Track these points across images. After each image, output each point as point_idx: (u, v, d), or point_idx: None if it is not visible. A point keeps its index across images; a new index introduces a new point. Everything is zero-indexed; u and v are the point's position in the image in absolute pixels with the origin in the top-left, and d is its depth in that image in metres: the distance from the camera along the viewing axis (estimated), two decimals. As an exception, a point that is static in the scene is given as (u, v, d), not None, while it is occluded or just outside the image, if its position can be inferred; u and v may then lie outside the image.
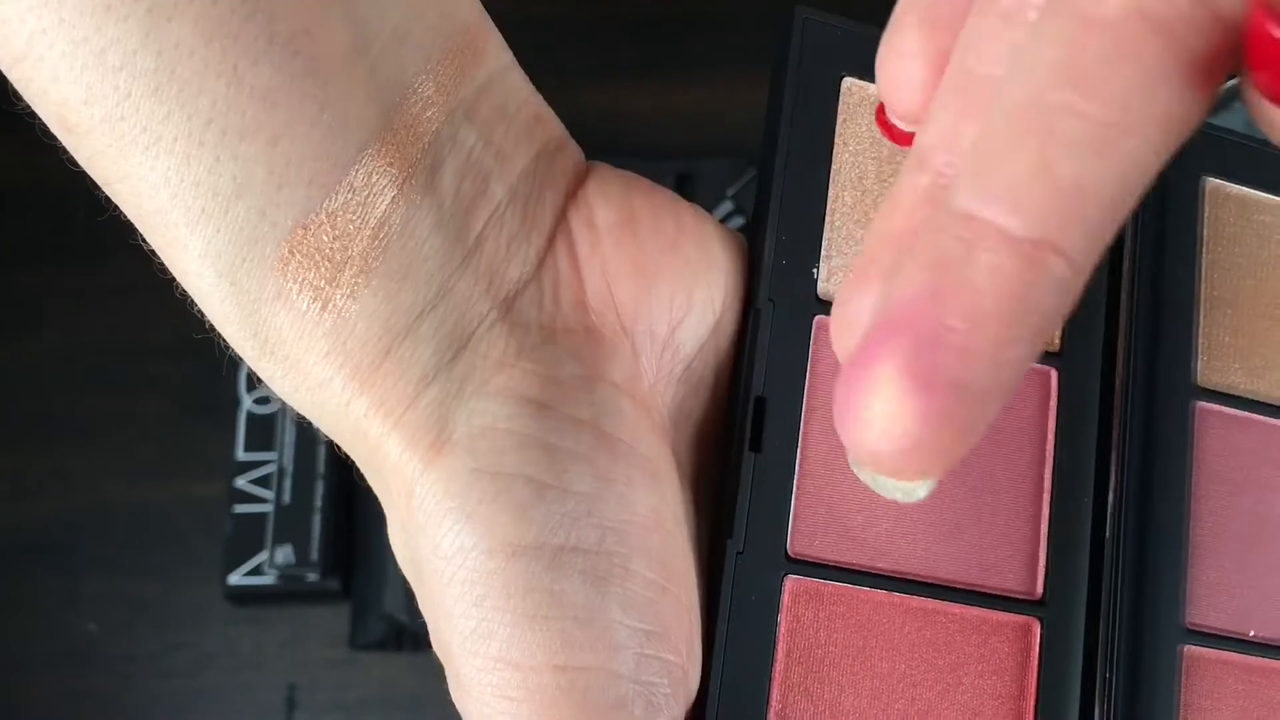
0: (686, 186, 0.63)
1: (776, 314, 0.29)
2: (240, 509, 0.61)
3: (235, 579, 0.61)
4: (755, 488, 0.28)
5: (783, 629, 0.28)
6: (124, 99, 0.23)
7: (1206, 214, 0.32)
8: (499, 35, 0.28)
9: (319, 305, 0.25)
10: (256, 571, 0.61)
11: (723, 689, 0.27)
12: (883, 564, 0.29)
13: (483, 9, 0.28)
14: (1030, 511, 0.30)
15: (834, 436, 0.28)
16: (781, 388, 0.28)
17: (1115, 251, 0.31)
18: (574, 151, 0.29)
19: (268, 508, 0.61)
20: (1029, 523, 0.30)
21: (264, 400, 0.63)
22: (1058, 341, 0.31)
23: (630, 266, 0.28)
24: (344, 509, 0.62)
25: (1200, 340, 0.32)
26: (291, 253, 0.25)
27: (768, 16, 0.69)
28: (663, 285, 0.28)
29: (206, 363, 0.64)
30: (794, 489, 0.28)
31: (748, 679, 0.27)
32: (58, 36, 0.23)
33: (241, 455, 0.62)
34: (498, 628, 0.25)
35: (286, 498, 0.61)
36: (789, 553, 0.28)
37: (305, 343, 0.25)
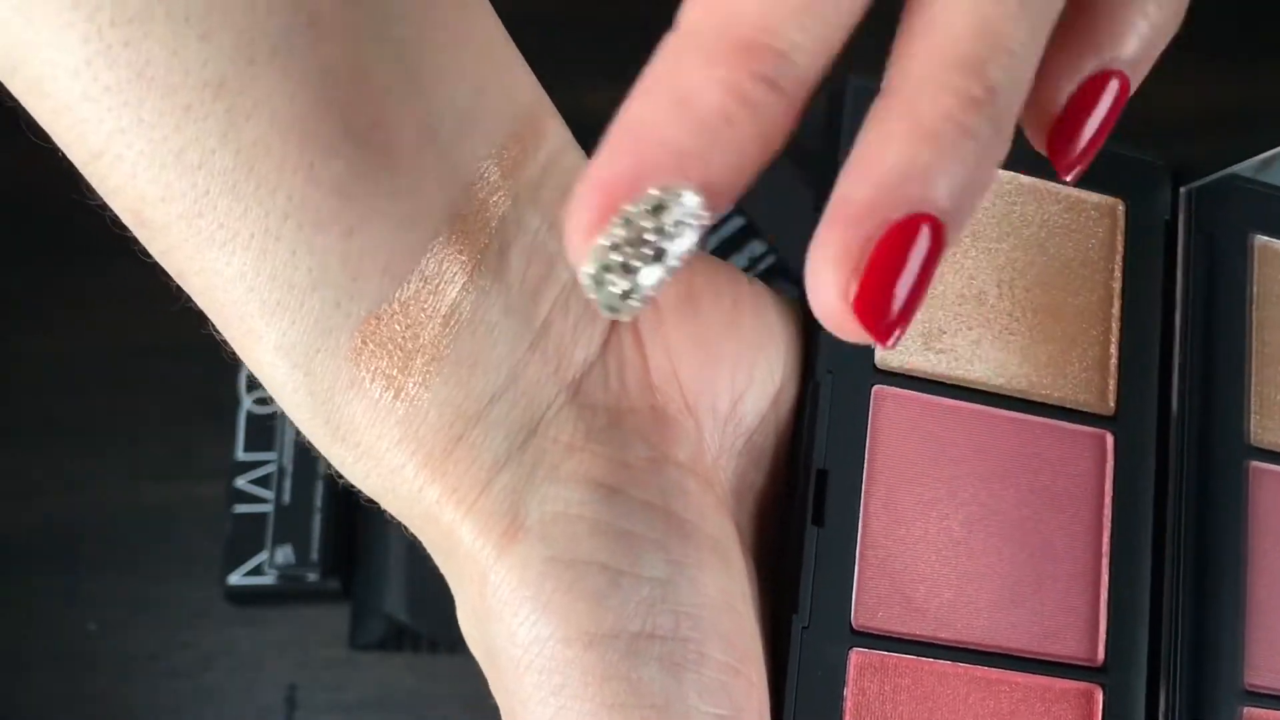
0: (687, 186, 0.63)
1: (836, 385, 0.29)
2: (240, 509, 0.61)
3: (235, 579, 0.61)
4: (819, 561, 0.28)
5: (849, 703, 0.28)
6: (201, 196, 0.24)
7: (1256, 272, 0.32)
8: (557, 113, 0.28)
9: (392, 393, 0.25)
10: (256, 571, 0.61)
11: None
12: (945, 634, 0.29)
13: (540, 88, 0.28)
14: (1089, 577, 0.30)
15: (895, 507, 0.29)
16: (842, 459, 0.29)
17: (1166, 311, 0.31)
18: None
19: (268, 508, 0.61)
20: (1089, 588, 0.30)
21: (264, 400, 0.63)
22: (1112, 404, 0.31)
23: (693, 344, 0.28)
24: (344, 509, 0.62)
25: (1252, 399, 0.32)
26: (365, 342, 0.25)
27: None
28: (725, 361, 0.28)
29: (206, 363, 0.64)
30: (856, 561, 0.29)
31: None
32: (136, 136, 0.23)
33: (241, 455, 0.62)
34: (576, 716, 0.25)
35: (286, 498, 0.61)
36: (853, 626, 0.28)
37: (378, 430, 0.25)
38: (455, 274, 0.25)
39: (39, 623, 0.63)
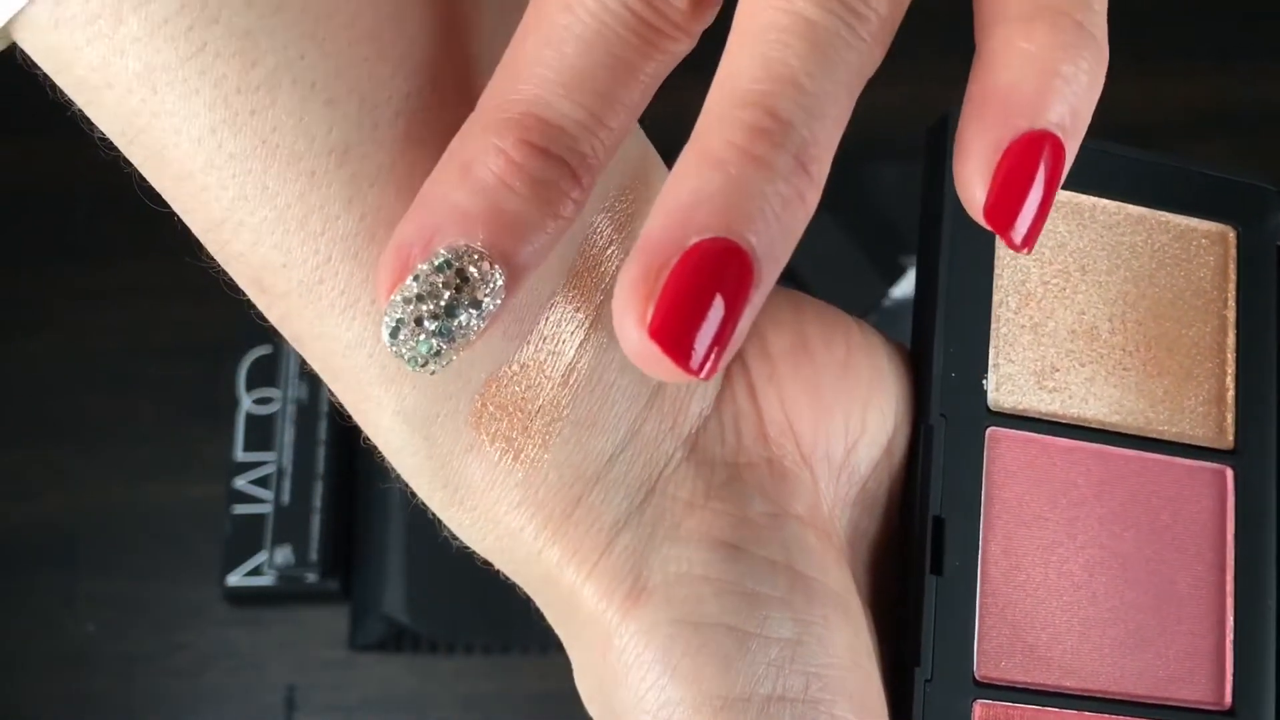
0: (687, 187, 0.63)
1: (949, 429, 0.28)
2: (239, 509, 0.61)
3: (234, 579, 0.61)
4: (939, 612, 0.28)
5: None
6: (324, 263, 0.23)
7: None
8: (662, 164, 0.27)
9: (511, 456, 0.25)
10: (256, 572, 0.61)
11: None
12: (1070, 682, 0.28)
13: (646, 141, 0.27)
14: (1214, 618, 0.29)
15: (1014, 552, 0.29)
16: (958, 505, 0.28)
17: None
18: None
19: (267, 508, 0.61)
20: (1214, 630, 0.29)
21: (263, 400, 0.63)
22: (1231, 438, 0.30)
23: (807, 394, 0.28)
24: (344, 509, 0.62)
25: None
26: (485, 405, 0.25)
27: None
28: (838, 410, 0.28)
29: (206, 363, 0.64)
30: (977, 610, 0.28)
31: None
32: (260, 203, 0.23)
33: (240, 456, 0.62)
34: None
35: (285, 498, 0.61)
36: (976, 677, 0.28)
37: (497, 493, 0.25)
38: (573, 332, 0.25)
39: (39, 623, 0.63)
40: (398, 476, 0.26)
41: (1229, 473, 0.30)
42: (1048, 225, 0.28)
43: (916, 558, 0.28)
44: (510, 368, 0.25)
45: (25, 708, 0.62)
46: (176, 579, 0.63)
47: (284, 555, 0.60)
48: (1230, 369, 0.30)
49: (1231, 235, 0.31)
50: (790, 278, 0.61)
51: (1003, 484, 0.29)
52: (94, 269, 0.65)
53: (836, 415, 0.28)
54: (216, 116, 0.23)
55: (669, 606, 0.25)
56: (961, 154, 0.22)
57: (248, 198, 0.23)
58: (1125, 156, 0.30)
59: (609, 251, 0.26)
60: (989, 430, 0.29)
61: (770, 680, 0.25)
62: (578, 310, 0.25)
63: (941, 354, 0.29)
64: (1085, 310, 0.30)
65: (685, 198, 0.20)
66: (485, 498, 0.25)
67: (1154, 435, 0.30)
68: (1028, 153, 0.22)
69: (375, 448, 0.26)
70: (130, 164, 0.25)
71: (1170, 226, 0.31)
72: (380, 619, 0.60)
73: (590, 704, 0.27)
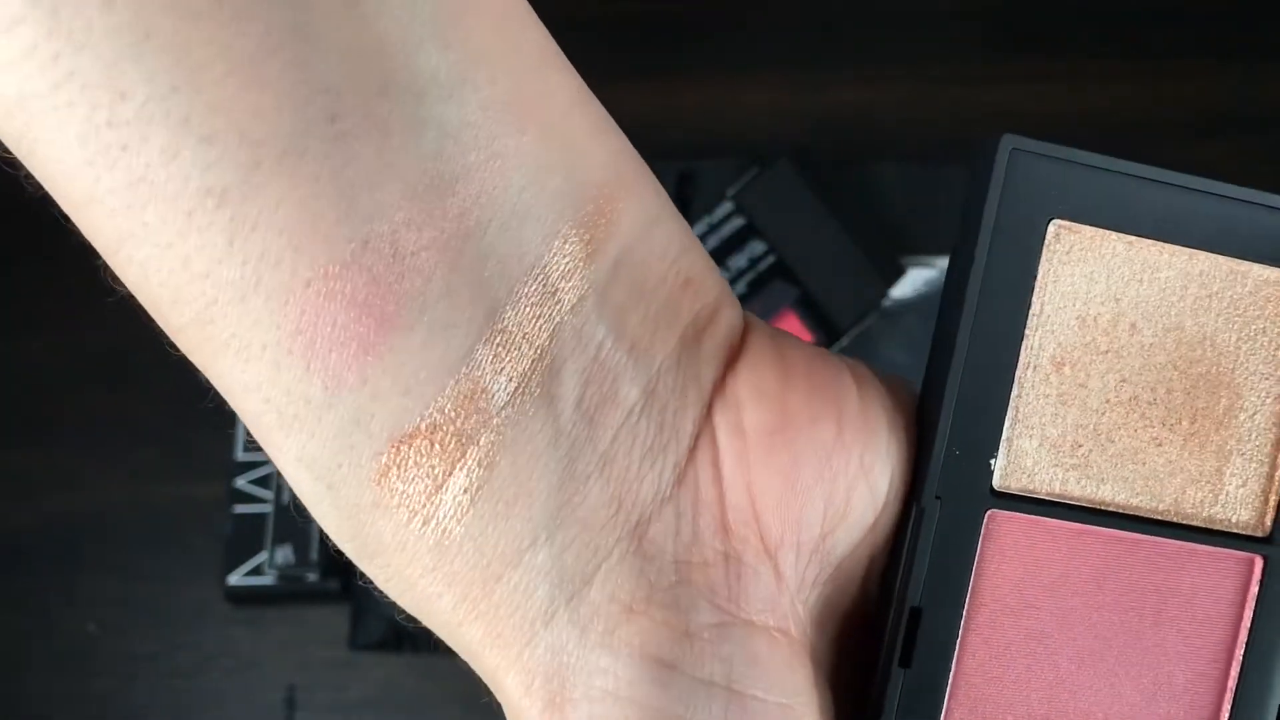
0: (686, 186, 0.63)
1: (944, 512, 0.26)
2: (240, 509, 0.61)
3: (235, 579, 0.61)
4: (902, 706, 0.26)
5: None
6: (210, 304, 0.22)
7: None
8: (644, 183, 0.25)
9: (420, 521, 0.23)
10: (256, 572, 0.61)
11: None
12: None
13: (621, 155, 0.24)
14: (1208, 716, 0.27)
15: (996, 641, 0.26)
16: (940, 593, 0.26)
17: None
18: (728, 318, 0.25)
19: (267, 508, 0.61)
20: None
21: (264, 400, 0.63)
22: (1269, 525, 0.27)
23: (781, 479, 0.25)
24: (344, 509, 0.62)
25: None
26: (388, 466, 0.23)
27: (768, 16, 0.69)
28: (817, 494, 0.25)
29: (206, 363, 0.64)
30: (945, 705, 0.26)
31: None
32: (142, 241, 0.22)
33: (241, 455, 0.62)
34: None
35: (286, 498, 0.61)
36: None
37: (408, 555, 0.23)
38: (495, 394, 0.23)
39: (39, 623, 0.63)
40: None
41: (1258, 561, 0.27)
42: (1101, 277, 0.26)
43: (887, 646, 0.26)
44: (417, 428, 0.23)
45: (25, 707, 0.62)
46: (177, 579, 0.63)
47: (284, 555, 0.60)
48: None
49: None
50: (790, 278, 0.61)
51: (995, 570, 0.26)
52: (94, 269, 0.65)
53: (814, 500, 0.25)
54: (90, 150, 0.21)
55: None
56: None
57: (132, 234, 0.22)
58: (1200, 191, 0.26)
59: (547, 309, 0.23)
60: (989, 513, 0.26)
61: None
62: (501, 372, 0.23)
63: (947, 427, 0.26)
64: (1128, 377, 0.26)
65: None
66: (396, 558, 0.23)
67: (1179, 520, 0.27)
68: None
69: None
70: None
71: (1247, 278, 0.26)
72: (380, 619, 0.60)
73: None
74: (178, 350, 0.25)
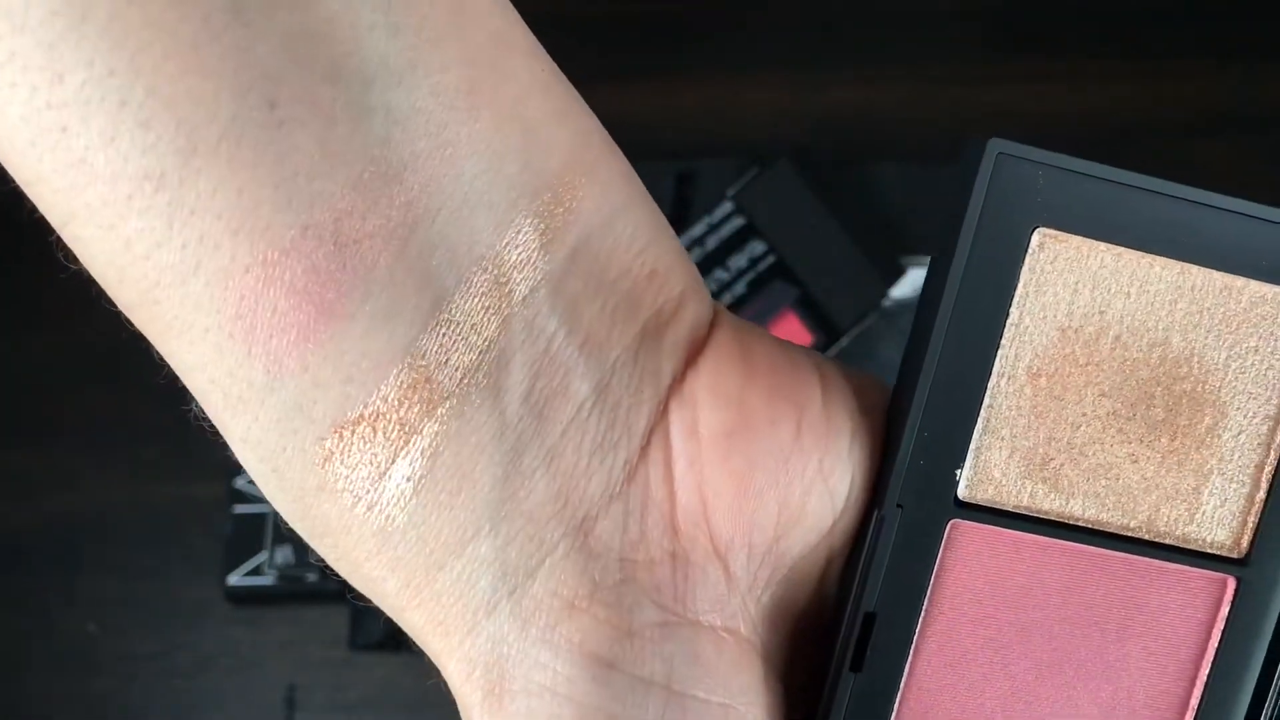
0: (686, 186, 0.63)
1: (904, 519, 0.25)
2: (240, 509, 0.61)
3: (235, 579, 0.61)
4: (850, 711, 0.25)
5: None
6: (154, 286, 0.22)
7: None
8: (613, 168, 0.24)
9: (364, 506, 0.23)
10: (256, 572, 0.61)
11: None
12: None
13: (588, 139, 0.24)
14: None
15: (952, 649, 0.26)
16: (896, 600, 0.25)
17: None
18: (694, 312, 0.25)
19: (267, 508, 0.61)
20: None
21: (264, 400, 0.63)
22: (1246, 546, 0.27)
23: (734, 485, 0.24)
24: (344, 509, 0.62)
25: None
26: (331, 451, 0.23)
27: (768, 16, 0.69)
28: (770, 497, 0.25)
29: (206, 363, 0.64)
30: (895, 711, 0.26)
31: None
32: (85, 222, 0.22)
33: (241, 455, 0.62)
34: None
35: (286, 498, 0.61)
36: None
37: (353, 538, 0.23)
38: (440, 384, 0.22)
39: (39, 623, 0.63)
40: None
41: (1231, 582, 0.27)
42: (1086, 289, 0.25)
43: (839, 651, 0.25)
44: (359, 415, 0.22)
45: (25, 707, 0.62)
46: (177, 579, 0.63)
47: (284, 555, 0.60)
48: (1269, 469, 0.26)
49: None
50: (790, 278, 0.61)
51: (956, 579, 0.26)
52: (94, 269, 0.65)
53: (768, 502, 0.25)
54: (31, 131, 0.21)
55: (528, 719, 0.23)
56: None
57: (75, 214, 0.22)
58: (1195, 202, 0.25)
59: (494, 300, 0.23)
60: (952, 523, 0.26)
61: None
62: (445, 364, 0.23)
63: (913, 435, 0.25)
64: (1107, 392, 0.26)
65: None
66: (343, 540, 0.23)
67: (1151, 538, 0.26)
68: None
69: None
70: None
71: (1243, 294, 0.26)
72: (380, 619, 0.60)
73: None
74: (134, 326, 0.25)
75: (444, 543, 0.23)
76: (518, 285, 0.23)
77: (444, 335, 0.23)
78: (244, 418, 0.23)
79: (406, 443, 0.23)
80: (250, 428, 0.23)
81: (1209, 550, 0.26)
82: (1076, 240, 0.25)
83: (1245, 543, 0.27)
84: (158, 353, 0.25)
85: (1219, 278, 0.25)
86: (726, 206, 0.63)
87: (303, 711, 0.62)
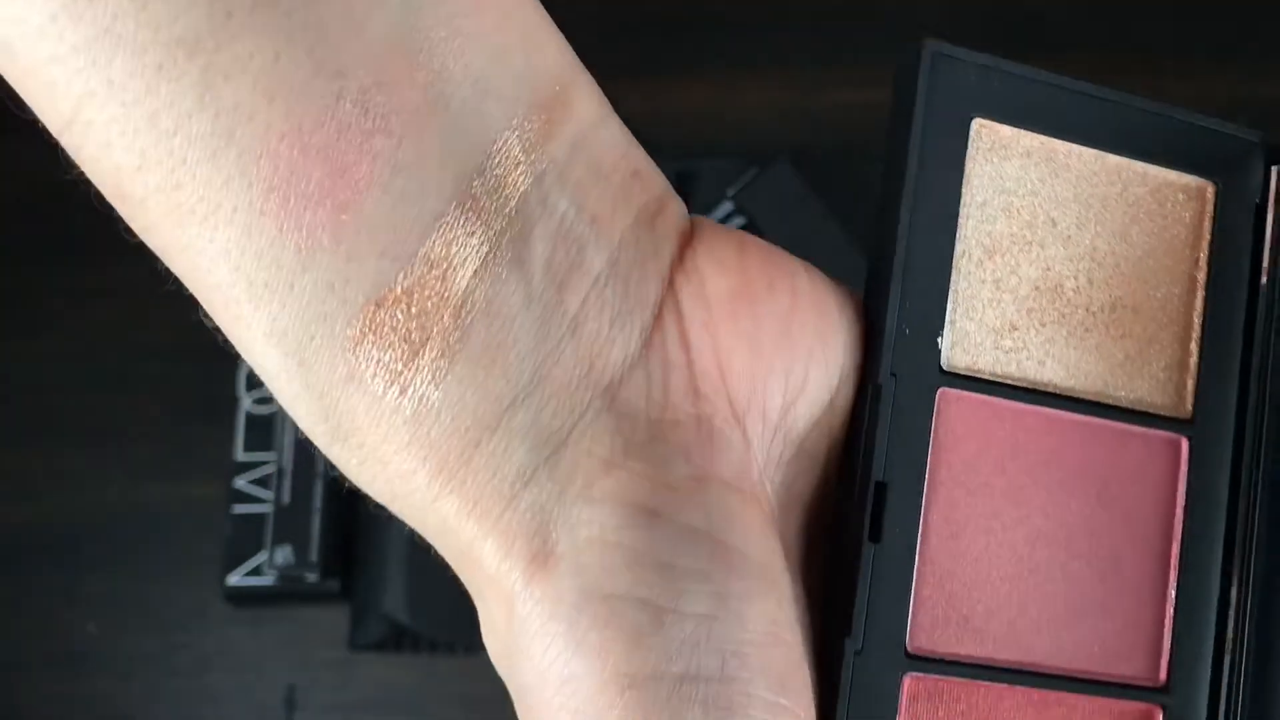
0: (686, 186, 0.63)
1: (899, 389, 0.27)
2: (239, 509, 0.61)
3: (235, 579, 0.61)
4: (874, 581, 0.26)
5: None
6: (179, 165, 0.22)
7: None
8: (592, 83, 0.25)
9: (396, 390, 0.23)
10: (256, 572, 0.61)
11: None
12: (1004, 656, 0.27)
13: (574, 56, 0.25)
14: (1156, 592, 0.28)
15: (956, 520, 0.27)
16: (902, 469, 0.27)
17: (1249, 313, 0.29)
18: (677, 209, 0.26)
19: (267, 508, 0.61)
20: (1154, 604, 0.28)
21: (263, 400, 0.63)
22: (1189, 408, 0.29)
23: (745, 346, 0.25)
24: (344, 509, 0.62)
25: None
26: (363, 332, 0.23)
27: (768, 16, 0.69)
28: (778, 364, 0.26)
29: (206, 363, 0.64)
30: (913, 580, 0.27)
31: None
32: (107, 99, 0.21)
33: (241, 455, 0.62)
34: None
35: (286, 498, 0.61)
36: (908, 649, 0.27)
37: (383, 431, 0.23)
38: (467, 258, 0.23)
39: (39, 623, 0.63)
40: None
41: (1184, 443, 0.29)
42: (1019, 173, 0.28)
43: (854, 523, 0.27)
44: (393, 291, 0.23)
45: (25, 708, 0.62)
46: (176, 579, 0.63)
47: (284, 555, 0.60)
48: (1195, 334, 0.29)
49: (1211, 191, 0.29)
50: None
51: (950, 448, 0.27)
52: (94, 269, 0.65)
53: (776, 370, 0.26)
54: (55, 4, 0.21)
55: (577, 575, 0.23)
56: None
57: (94, 93, 0.21)
58: (1107, 99, 0.28)
59: (514, 175, 0.23)
60: (940, 391, 0.27)
61: (683, 658, 0.23)
62: (472, 234, 0.23)
63: (896, 309, 0.27)
64: (1051, 266, 0.28)
65: None
66: (370, 435, 0.23)
67: (1110, 401, 0.29)
68: None
69: None
70: None
71: (1148, 178, 0.29)
72: (380, 619, 0.60)
73: (496, 662, 0.25)
74: (134, 236, 0.24)
75: (479, 418, 0.23)
76: (530, 168, 0.24)
77: (469, 209, 0.23)
78: (270, 306, 0.23)
79: (440, 317, 0.23)
80: (277, 318, 0.23)
81: (1161, 413, 0.29)
82: (1008, 130, 0.28)
83: (1189, 405, 0.29)
84: (164, 271, 0.24)
85: (1131, 164, 0.29)
86: (726, 206, 0.63)
87: (302, 711, 0.62)
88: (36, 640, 0.62)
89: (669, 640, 0.23)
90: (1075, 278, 0.28)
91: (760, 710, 0.24)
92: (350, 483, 0.26)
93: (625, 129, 0.26)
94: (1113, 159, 0.29)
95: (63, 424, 0.65)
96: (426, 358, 0.23)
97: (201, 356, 0.65)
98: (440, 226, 0.23)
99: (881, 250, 0.28)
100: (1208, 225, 0.29)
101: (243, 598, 0.61)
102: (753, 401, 0.26)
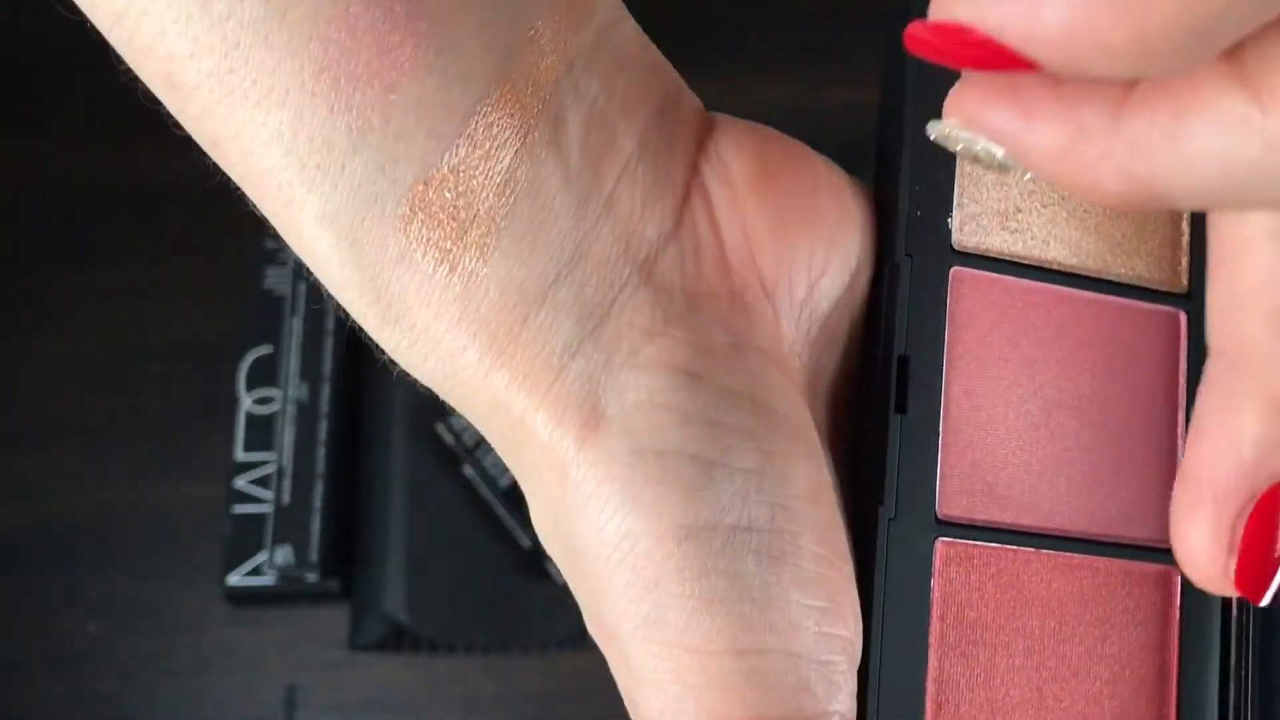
0: (687, 187, 0.63)
1: (915, 268, 0.28)
2: (239, 509, 0.61)
3: (234, 580, 0.61)
4: (903, 451, 0.28)
5: (936, 594, 0.28)
6: (232, 49, 0.23)
7: None
8: None
9: (446, 268, 0.24)
10: (256, 572, 0.61)
11: (883, 657, 0.27)
12: (1028, 520, 0.29)
13: None
14: (1166, 458, 0.29)
15: (974, 393, 0.29)
16: (922, 344, 0.28)
17: None
18: (693, 101, 0.28)
19: (267, 508, 0.61)
20: (1165, 469, 0.29)
21: (264, 400, 0.63)
22: (1185, 282, 0.30)
23: (770, 225, 0.27)
24: (344, 509, 0.62)
25: None
26: (413, 210, 0.24)
27: (768, 16, 0.69)
28: (802, 244, 0.27)
29: (206, 363, 0.64)
30: (939, 449, 0.28)
31: (905, 646, 0.27)
32: None
33: (241, 456, 0.62)
34: (673, 614, 0.24)
35: (286, 498, 0.61)
36: (938, 516, 0.28)
37: (434, 309, 0.24)
38: (508, 139, 0.24)
39: (39, 623, 0.63)
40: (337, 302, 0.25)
41: (1182, 316, 0.30)
42: None
43: (880, 396, 0.28)
44: (440, 170, 0.24)
45: (25, 708, 0.62)
46: (176, 579, 0.63)
47: (284, 555, 0.60)
48: (1185, 212, 0.30)
49: None
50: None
51: (965, 324, 0.29)
52: (94, 269, 0.65)
53: (800, 250, 0.27)
54: None
55: (628, 436, 0.24)
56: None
57: None
58: None
59: (547, 61, 0.25)
60: (953, 270, 0.29)
61: (735, 510, 0.24)
62: (512, 116, 0.24)
63: (908, 191, 0.28)
64: None
65: (1255, 444, 0.21)
66: (422, 314, 0.24)
67: (1112, 278, 0.30)
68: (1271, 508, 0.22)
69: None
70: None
71: None
72: (380, 619, 0.60)
73: (547, 540, 0.26)
74: (182, 131, 0.25)
75: (526, 293, 0.24)
76: (561, 56, 0.25)
77: (508, 93, 0.24)
78: (322, 188, 0.23)
79: (486, 194, 0.24)
80: (329, 199, 0.23)
81: (1159, 288, 0.30)
82: None
83: (1184, 280, 0.30)
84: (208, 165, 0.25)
85: None
86: (726, 206, 0.63)
87: (302, 711, 0.62)
88: (36, 640, 0.62)
89: (720, 493, 0.24)
90: None
91: (809, 561, 0.25)
92: (399, 368, 0.26)
93: (639, 30, 0.27)
94: None
95: (63, 424, 0.65)
96: (474, 235, 0.24)
97: (201, 356, 0.65)
98: (482, 109, 0.24)
99: (889, 141, 0.29)
100: None
101: (243, 598, 0.61)
102: (780, 278, 0.27)
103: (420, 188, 0.24)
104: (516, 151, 0.24)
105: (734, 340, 0.26)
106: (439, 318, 0.24)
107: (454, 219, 0.24)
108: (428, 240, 0.24)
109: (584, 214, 0.25)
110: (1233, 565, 0.21)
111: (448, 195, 0.24)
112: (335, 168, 0.23)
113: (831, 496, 0.26)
